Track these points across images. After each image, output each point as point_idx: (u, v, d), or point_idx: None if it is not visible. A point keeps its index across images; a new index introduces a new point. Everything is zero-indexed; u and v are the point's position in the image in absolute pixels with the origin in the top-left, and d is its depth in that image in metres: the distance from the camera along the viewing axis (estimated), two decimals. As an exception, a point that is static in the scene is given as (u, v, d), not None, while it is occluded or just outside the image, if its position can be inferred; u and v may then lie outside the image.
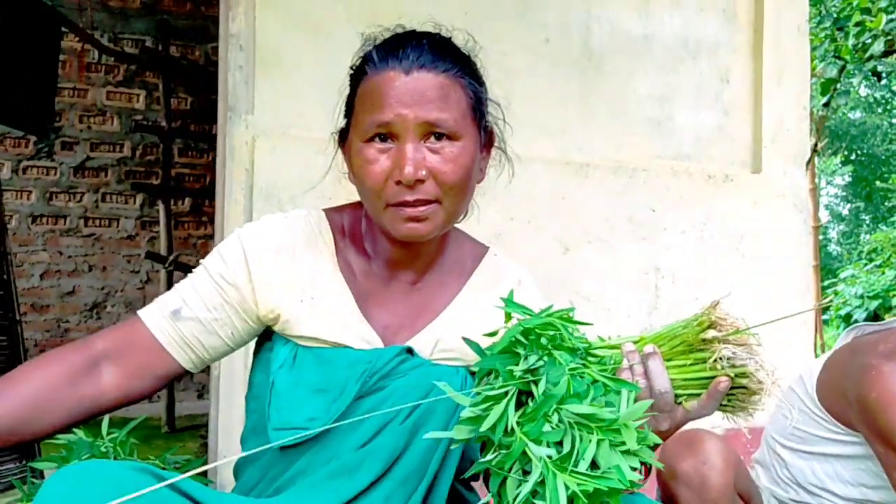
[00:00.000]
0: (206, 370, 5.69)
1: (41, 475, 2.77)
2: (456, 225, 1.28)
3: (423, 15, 2.53)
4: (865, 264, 12.54)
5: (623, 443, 0.94)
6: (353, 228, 1.28)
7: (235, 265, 1.19)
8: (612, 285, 2.69)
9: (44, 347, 5.59)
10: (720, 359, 1.00)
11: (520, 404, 0.98)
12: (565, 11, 2.72)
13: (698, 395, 1.03)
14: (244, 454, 1.20)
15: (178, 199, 5.76)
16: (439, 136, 1.14)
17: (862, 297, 10.57)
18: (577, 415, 0.94)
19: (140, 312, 1.20)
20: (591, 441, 0.93)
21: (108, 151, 5.79)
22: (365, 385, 1.16)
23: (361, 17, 2.49)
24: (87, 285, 5.71)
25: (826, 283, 12.04)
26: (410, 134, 1.12)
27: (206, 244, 5.91)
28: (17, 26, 3.82)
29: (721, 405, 1.04)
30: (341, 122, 1.25)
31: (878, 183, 16.85)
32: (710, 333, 1.01)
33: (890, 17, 6.62)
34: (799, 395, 1.71)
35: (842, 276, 12.44)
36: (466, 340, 1.12)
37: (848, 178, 19.17)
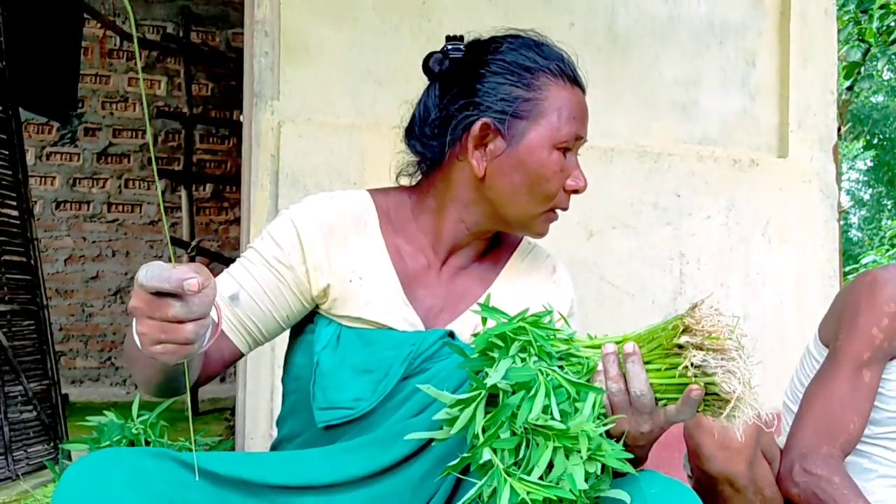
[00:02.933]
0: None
1: (70, 457, 2.82)
2: None
3: (448, 0, 2.53)
4: (887, 250, 12.41)
5: (579, 450, 0.93)
6: (398, 214, 1.29)
7: (290, 247, 1.20)
8: (636, 270, 2.69)
9: (69, 332, 5.67)
10: (690, 366, 0.98)
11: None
12: (590, -5, 2.71)
13: (677, 399, 1.01)
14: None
15: (200, 184, 5.79)
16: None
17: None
18: (531, 422, 0.94)
19: None
20: (546, 448, 0.93)
21: (131, 138, 5.83)
22: (410, 367, 1.17)
23: (387, 2, 2.49)
24: (111, 270, 5.77)
25: (847, 268, 11.93)
26: (577, 150, 1.25)
27: (227, 229, 5.95)
28: (39, 13, 3.85)
29: (700, 410, 1.02)
30: (496, 114, 1.21)
31: (900, 167, 16.63)
32: (683, 338, 0.98)
33: (916, -1, 6.52)
34: (808, 349, 1.73)
35: (863, 261, 12.32)
36: (449, 344, 1.15)
37: (870, 163, 18.95)
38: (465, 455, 0.98)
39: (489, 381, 0.96)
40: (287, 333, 1.33)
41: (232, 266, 1.24)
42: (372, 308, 1.21)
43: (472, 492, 0.96)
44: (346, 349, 1.21)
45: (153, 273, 0.83)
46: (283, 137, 2.34)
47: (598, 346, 1.05)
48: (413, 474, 1.15)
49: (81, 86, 5.22)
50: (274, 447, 1.34)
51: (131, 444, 1.60)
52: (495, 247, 1.34)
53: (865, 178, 20.10)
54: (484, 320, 1.03)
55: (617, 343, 1.05)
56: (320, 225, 1.21)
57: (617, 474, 1.03)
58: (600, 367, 1.03)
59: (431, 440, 1.12)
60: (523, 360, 0.98)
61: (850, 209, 19.02)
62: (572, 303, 1.36)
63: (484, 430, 0.96)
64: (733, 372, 0.96)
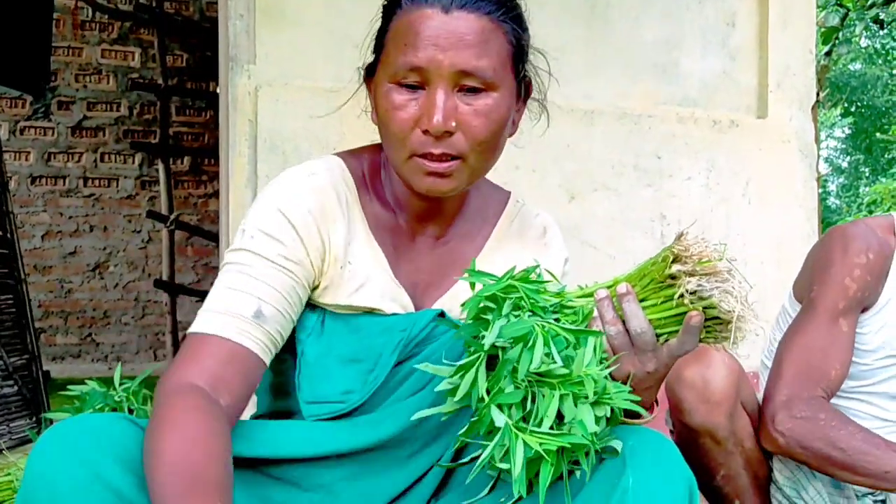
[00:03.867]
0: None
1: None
2: None
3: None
4: (865, 216, 12.55)
5: (586, 396, 0.92)
6: (373, 176, 1.20)
7: (290, 241, 1.09)
8: (618, 232, 2.69)
9: (48, 309, 5.62)
10: (686, 293, 0.96)
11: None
12: (569, -45, 2.69)
13: (677, 331, 1.00)
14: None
15: (177, 157, 5.73)
16: (474, 88, 1.06)
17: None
18: (534, 373, 0.92)
19: (217, 330, 1.03)
20: (553, 398, 0.92)
21: (105, 111, 5.75)
22: (401, 354, 1.13)
23: (363, -38, 2.45)
24: (89, 246, 5.72)
25: (838, 224, 12.07)
26: (443, 81, 1.04)
27: (206, 203, 5.90)
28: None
29: (702, 338, 1.01)
30: (369, 57, 1.16)
31: (878, 135, 16.78)
32: (675, 268, 0.97)
33: (893, -37, 6.54)
34: (784, 307, 1.75)
35: (842, 227, 12.44)
36: (441, 322, 1.11)
37: (848, 131, 19.08)
38: (473, 420, 0.97)
39: (486, 342, 0.94)
40: None
41: (229, 276, 1.08)
42: (362, 293, 1.14)
43: (485, 453, 0.94)
44: (332, 337, 1.14)
45: None
46: (261, 102, 2.31)
47: (591, 295, 1.04)
48: (401, 453, 1.13)
49: (54, 59, 5.13)
50: (255, 418, 1.28)
51: (114, 411, 1.59)
52: (480, 209, 1.26)
53: (843, 146, 20.24)
54: (472, 285, 1.01)
55: (608, 287, 1.03)
56: (310, 210, 1.11)
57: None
58: (596, 313, 1.02)
59: (418, 423, 1.10)
60: (517, 317, 0.96)
61: (827, 176, 19.18)
62: (566, 262, 1.32)
63: (488, 392, 0.94)
64: (729, 291, 0.96)
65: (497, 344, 0.94)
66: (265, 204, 1.11)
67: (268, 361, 1.07)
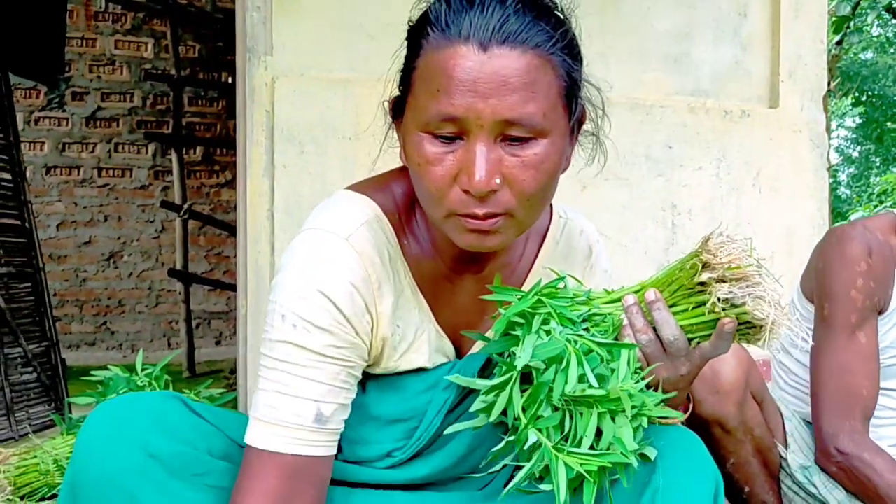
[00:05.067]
0: (230, 311, 5.73)
1: (71, 411, 2.85)
2: None
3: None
4: (875, 206, 12.48)
5: (623, 410, 0.91)
6: (408, 216, 1.08)
7: (339, 329, 0.98)
8: (629, 222, 2.72)
9: (63, 297, 5.68)
10: (717, 300, 0.94)
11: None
12: (581, -54, 2.70)
13: (709, 335, 0.98)
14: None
15: (190, 147, 5.77)
16: (519, 138, 0.91)
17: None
18: (569, 395, 0.90)
19: (270, 446, 0.94)
20: (591, 416, 0.91)
21: (119, 101, 5.79)
22: (448, 412, 1.09)
23: (379, -46, 2.47)
24: (104, 235, 5.77)
25: (836, 225, 12.01)
26: (484, 133, 0.89)
27: (219, 192, 5.94)
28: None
29: (736, 340, 0.99)
30: (393, 91, 1.02)
31: (888, 124, 16.65)
32: (705, 276, 0.95)
33: (906, -49, 6.50)
34: (793, 302, 1.77)
35: (851, 218, 12.40)
36: (475, 334, 1.06)
37: (858, 120, 18.94)
38: (510, 438, 0.95)
39: (518, 363, 0.91)
40: None
41: (277, 376, 0.97)
42: (411, 356, 1.07)
43: (522, 473, 0.92)
44: (373, 397, 1.09)
45: None
46: (278, 93, 2.34)
47: (618, 300, 1.01)
48: (440, 485, 1.13)
49: (68, 49, 5.16)
50: None
51: (137, 395, 1.62)
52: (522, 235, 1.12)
53: (854, 136, 20.11)
54: (500, 304, 0.98)
55: (636, 293, 1.00)
56: (356, 286, 0.99)
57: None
58: (625, 321, 0.99)
59: (461, 459, 1.10)
60: (547, 332, 0.93)
61: (838, 166, 19.07)
62: (609, 278, 1.27)
63: (524, 410, 0.92)
64: (762, 297, 0.94)
65: (530, 364, 0.92)
66: (303, 284, 0.97)
67: (335, 452, 1.01)
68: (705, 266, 0.96)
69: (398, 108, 1.01)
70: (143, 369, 2.05)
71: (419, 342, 1.07)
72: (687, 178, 2.79)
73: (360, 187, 1.08)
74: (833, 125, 18.18)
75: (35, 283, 3.47)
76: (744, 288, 0.94)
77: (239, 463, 0.98)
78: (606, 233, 2.68)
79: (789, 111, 2.91)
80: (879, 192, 13.85)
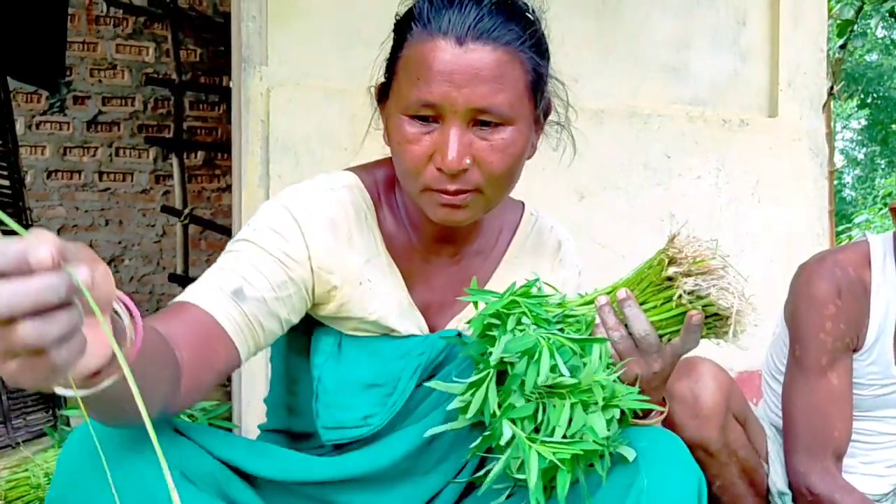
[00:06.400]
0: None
1: (68, 423, 2.85)
2: None
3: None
4: (880, 209, 12.44)
5: (595, 401, 0.94)
6: (388, 194, 1.19)
7: (295, 242, 1.07)
8: (627, 231, 2.70)
9: (64, 301, 5.67)
10: (684, 293, 0.99)
11: None
12: (580, -45, 2.69)
13: (679, 330, 1.02)
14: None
15: (191, 152, 5.77)
16: (489, 122, 1.02)
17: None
18: (543, 385, 0.94)
19: (190, 297, 1.01)
20: (563, 407, 0.94)
21: (120, 105, 5.78)
22: (420, 377, 1.14)
23: (374, -36, 2.47)
24: (105, 240, 5.77)
25: (840, 228, 11.97)
26: (457, 118, 1.00)
27: (220, 197, 5.93)
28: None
29: (704, 334, 1.04)
30: (380, 78, 1.14)
31: (894, 126, 16.62)
32: (671, 270, 1.00)
33: (909, -45, 6.47)
34: (777, 328, 1.76)
35: (856, 220, 12.36)
36: (446, 337, 1.12)
37: (864, 122, 18.91)
38: (486, 434, 0.98)
39: (492, 358, 0.95)
40: None
41: (224, 258, 1.07)
42: (381, 312, 1.13)
43: (498, 466, 0.96)
44: (350, 361, 1.14)
45: None
46: (273, 102, 2.34)
47: (591, 302, 1.06)
48: (417, 470, 1.14)
49: (69, 54, 5.16)
50: (269, 431, 1.30)
51: (130, 408, 1.61)
52: (495, 226, 1.25)
53: (859, 138, 20.06)
54: (475, 304, 1.03)
55: (608, 293, 1.05)
56: (324, 222, 1.09)
57: None
58: (598, 320, 1.04)
59: (431, 440, 1.12)
60: (522, 331, 0.97)
61: (843, 168, 19.02)
62: (580, 273, 1.34)
63: (500, 407, 0.96)
64: (726, 288, 0.98)
65: (505, 359, 0.96)
66: (276, 204, 1.10)
67: (240, 347, 1.01)
68: (672, 261, 1.01)
69: (383, 94, 1.12)
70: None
71: (390, 305, 1.13)
72: (685, 187, 2.78)
73: (347, 168, 1.20)
74: (838, 127, 18.15)
75: (33, 289, 3.46)
76: (708, 280, 0.98)
77: (223, 481, 1.00)
78: (604, 243, 2.67)
79: (788, 120, 2.90)
80: (884, 195, 13.80)
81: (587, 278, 1.30)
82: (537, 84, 1.08)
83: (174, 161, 5.13)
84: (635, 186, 2.73)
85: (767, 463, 1.64)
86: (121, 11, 5.63)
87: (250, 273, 1.03)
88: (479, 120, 1.02)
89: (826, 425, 1.55)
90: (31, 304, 0.54)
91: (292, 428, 1.25)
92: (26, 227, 2.70)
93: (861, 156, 20.03)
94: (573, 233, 2.59)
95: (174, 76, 5.17)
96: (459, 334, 1.16)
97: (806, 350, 1.57)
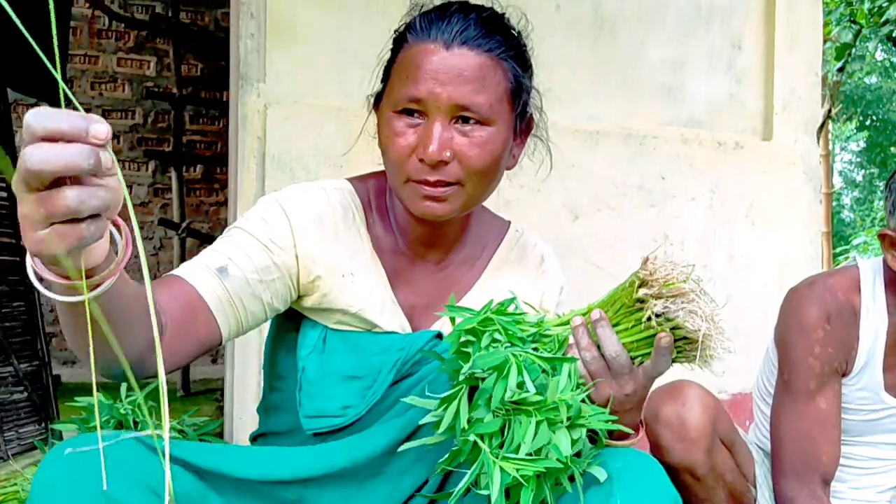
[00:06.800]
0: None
1: (61, 437, 2.84)
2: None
3: (433, -18, 2.53)
4: (874, 229, 12.46)
5: (561, 421, 0.94)
6: (379, 201, 1.25)
7: (282, 230, 1.14)
8: (621, 252, 2.71)
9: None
10: (653, 315, 0.99)
11: None
12: (577, -23, 2.71)
13: (650, 353, 1.02)
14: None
15: (190, 166, 5.79)
16: (469, 119, 1.10)
17: (874, 260, 10.48)
18: (510, 401, 0.95)
19: (179, 272, 1.09)
20: (529, 424, 0.94)
21: (120, 118, 5.81)
22: (398, 372, 1.17)
23: (373, -16, 2.49)
24: (102, 252, 5.78)
25: (838, 249, 12.01)
26: (440, 113, 1.09)
27: (217, 211, 5.95)
28: (28, -7, 3.83)
29: (675, 358, 1.03)
30: (377, 86, 1.22)
31: (892, 149, 16.67)
32: (642, 292, 1.00)
33: (907, -20, 6.53)
34: (769, 349, 1.76)
35: (854, 242, 12.39)
36: (427, 352, 1.14)
37: (863, 144, 18.97)
38: (454, 448, 0.99)
39: (461, 373, 0.97)
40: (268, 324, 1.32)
41: (216, 242, 1.15)
42: (363, 305, 1.18)
43: (464, 480, 0.96)
44: (333, 354, 1.18)
45: (44, 112, 0.65)
46: (270, 120, 2.35)
47: (568, 322, 1.07)
48: (392, 469, 1.15)
49: (70, 66, 5.20)
50: (256, 437, 1.33)
51: (119, 424, 1.62)
52: (480, 237, 1.30)
53: (858, 160, 20.13)
54: (452, 320, 1.04)
55: (583, 315, 1.06)
56: (311, 215, 1.17)
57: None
58: (571, 340, 1.05)
59: (411, 434, 1.13)
60: (495, 348, 0.98)
61: (842, 190, 19.07)
62: (562, 290, 1.36)
63: (470, 422, 0.97)
64: (695, 311, 0.98)
65: (477, 375, 0.97)
66: (269, 198, 1.19)
67: (220, 322, 1.07)
68: (643, 283, 1.01)
69: (378, 101, 1.21)
70: (127, 395, 2.04)
71: (373, 299, 1.18)
72: (680, 208, 2.79)
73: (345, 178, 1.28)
74: (837, 149, 18.22)
75: (28, 301, 3.47)
76: (678, 303, 0.98)
77: (198, 499, 1.01)
78: (598, 263, 2.67)
79: (783, 144, 2.92)
80: (882, 217, 13.83)
81: (577, 297, 1.31)
82: (517, 91, 1.16)
83: (173, 174, 5.14)
84: (630, 207, 2.74)
85: (755, 487, 1.64)
86: (123, 25, 5.67)
87: (236, 254, 1.11)
88: (461, 116, 1.10)
89: (814, 449, 1.55)
90: (84, 166, 0.64)
91: (276, 428, 1.27)
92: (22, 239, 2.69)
93: (860, 178, 20.09)
94: (567, 252, 2.61)
95: (175, 90, 5.20)
96: (440, 334, 1.19)
97: (795, 374, 1.57)
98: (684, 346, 1.01)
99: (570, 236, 2.64)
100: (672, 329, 0.99)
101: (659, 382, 1.56)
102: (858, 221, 18.55)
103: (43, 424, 3.36)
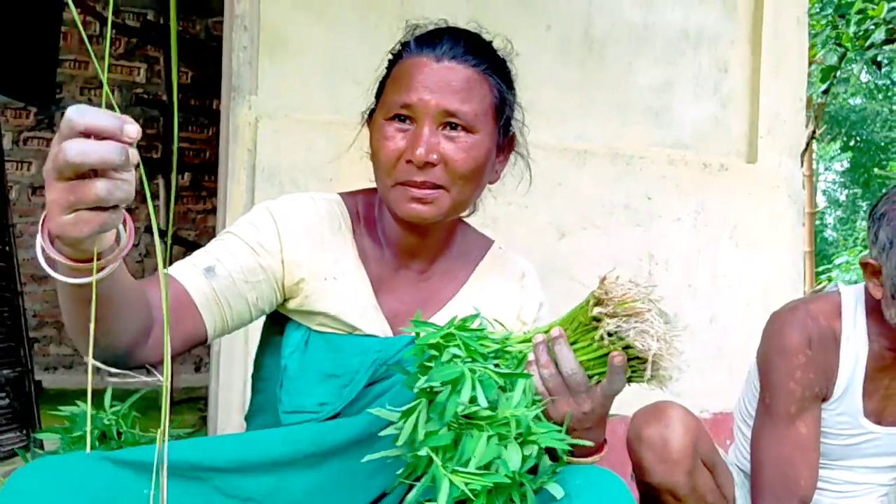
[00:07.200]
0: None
1: (42, 446, 2.83)
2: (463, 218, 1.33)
3: (428, 0, 2.55)
4: (860, 251, 12.57)
5: (512, 436, 0.95)
6: (367, 214, 1.30)
7: (270, 235, 1.20)
8: (606, 270, 2.73)
9: (43, 318, 5.64)
10: (605, 334, 1.00)
11: None
12: (568, -2, 2.75)
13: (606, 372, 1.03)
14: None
15: (178, 173, 5.77)
16: (456, 126, 1.17)
17: (855, 283, 10.56)
18: (463, 415, 0.96)
19: (169, 270, 1.14)
20: (480, 438, 0.95)
21: (109, 124, 5.79)
22: (375, 373, 1.20)
23: (367, 0, 2.51)
24: (87, 257, 5.75)
25: (820, 268, 12.09)
26: (429, 119, 1.16)
27: (205, 219, 5.94)
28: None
29: (630, 377, 1.04)
30: (372, 102, 1.28)
31: (876, 170, 16.84)
32: (596, 310, 1.01)
33: (891, 5, 6.62)
34: (750, 372, 1.78)
35: (836, 262, 12.49)
36: (393, 366, 1.16)
37: (846, 164, 19.16)
38: (410, 461, 1.00)
39: (417, 386, 0.98)
40: (259, 330, 1.35)
41: (207, 245, 1.21)
42: (346, 309, 1.22)
43: (413, 493, 0.98)
44: (314, 354, 1.22)
45: (86, 109, 0.74)
46: (260, 132, 2.36)
47: (530, 340, 1.08)
48: (364, 467, 1.14)
49: (60, 71, 5.18)
50: None
51: (103, 434, 1.61)
52: (464, 252, 1.35)
53: (842, 180, 20.32)
54: (417, 335, 1.05)
55: (545, 332, 1.08)
56: (299, 221, 1.23)
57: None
58: (531, 357, 1.07)
59: (378, 440, 1.11)
60: (455, 364, 0.99)
61: (825, 209, 19.24)
62: (540, 306, 1.38)
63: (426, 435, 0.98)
64: (646, 331, 0.98)
65: (435, 388, 0.98)
66: (260, 206, 1.25)
67: (206, 319, 1.13)
68: (598, 302, 1.02)
69: (371, 116, 1.27)
70: (111, 405, 2.03)
71: (355, 303, 1.23)
72: (665, 228, 2.82)
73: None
74: (821, 168, 18.38)
75: (13, 307, 3.45)
76: (630, 322, 0.99)
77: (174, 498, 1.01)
78: (583, 280, 2.69)
79: (767, 167, 2.96)
80: (864, 238, 13.94)
81: (560, 314, 1.32)
82: (501, 107, 1.24)
83: (160, 181, 5.13)
84: (616, 226, 2.76)
85: None
86: (114, 32, 5.66)
87: (224, 255, 1.17)
88: (449, 123, 1.17)
89: (793, 473, 1.57)
90: (117, 161, 0.74)
91: (257, 429, 1.29)
92: (9, 244, 2.67)
93: (843, 197, 20.27)
94: (553, 270, 2.62)
95: (164, 97, 5.20)
96: (418, 334, 1.20)
97: (775, 398, 1.59)
98: (638, 365, 1.02)
99: (556, 254, 2.67)
100: (624, 348, 1.00)
101: (642, 402, 1.60)
102: (841, 241, 18.71)
103: (24, 431, 3.34)
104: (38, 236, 0.84)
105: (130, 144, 0.75)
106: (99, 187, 0.75)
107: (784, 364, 1.58)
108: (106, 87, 0.74)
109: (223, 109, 2.52)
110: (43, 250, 0.84)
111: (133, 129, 0.75)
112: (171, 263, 1.17)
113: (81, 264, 0.84)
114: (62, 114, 0.74)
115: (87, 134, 0.73)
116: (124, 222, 0.86)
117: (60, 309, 0.97)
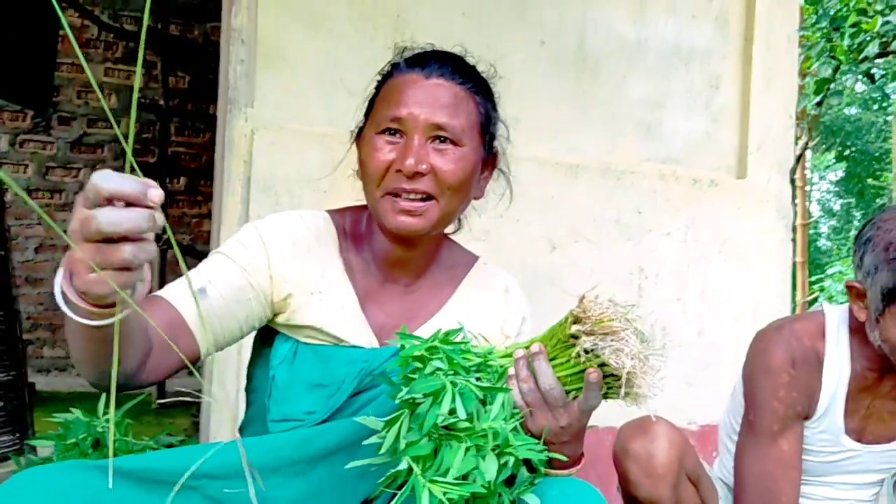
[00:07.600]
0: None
1: (35, 451, 2.84)
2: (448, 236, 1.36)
3: (422, 14, 2.58)
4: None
5: (489, 447, 0.99)
6: (354, 230, 1.34)
7: (257, 253, 1.24)
8: (592, 286, 2.75)
9: (37, 321, 5.65)
10: (582, 352, 1.02)
11: None
12: (561, 14, 2.78)
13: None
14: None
15: (174, 177, 5.80)
16: (445, 139, 1.22)
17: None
18: (442, 426, 0.99)
19: (163, 293, 1.19)
20: (458, 449, 0.98)
21: (105, 128, 5.81)
22: (361, 383, 1.23)
23: (363, 14, 2.54)
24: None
25: (813, 278, 12.13)
26: (419, 132, 1.20)
27: (200, 223, 5.96)
28: (17, 1, 3.84)
29: (606, 393, 1.07)
30: (360, 121, 1.33)
31: (870, 180, 16.91)
32: (574, 328, 1.03)
33: (886, 19, 6.66)
34: (735, 388, 1.80)
35: (829, 272, 12.53)
36: (379, 377, 1.18)
37: (841, 174, 19.23)
38: (392, 470, 1.02)
39: (398, 397, 1.01)
40: (251, 344, 1.38)
41: (199, 266, 1.25)
42: (332, 321, 1.26)
43: (394, 501, 1.00)
44: (302, 365, 1.25)
45: (111, 176, 0.78)
46: (256, 144, 2.38)
47: (511, 354, 1.11)
48: (349, 471, 1.15)
49: (57, 75, 5.20)
50: None
51: (97, 441, 1.63)
52: (450, 267, 1.38)
53: (836, 189, 20.38)
54: (402, 347, 1.07)
55: (526, 348, 1.11)
56: (286, 237, 1.27)
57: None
58: (512, 371, 1.10)
59: (363, 446, 1.13)
60: (437, 376, 1.02)
61: (819, 219, 19.30)
62: (523, 320, 1.41)
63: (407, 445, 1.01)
64: (621, 349, 1.01)
65: (417, 400, 1.01)
66: (249, 225, 1.30)
67: (198, 338, 1.16)
68: (577, 320, 1.04)
69: (360, 134, 1.32)
70: (104, 413, 2.05)
71: (340, 316, 1.26)
72: (655, 243, 2.85)
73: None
74: (815, 178, 18.43)
75: (7, 310, 3.46)
76: (606, 340, 1.02)
77: None
78: (574, 294, 2.71)
79: (757, 182, 2.99)
80: (857, 248, 13.95)
81: (551, 325, 1.34)
82: (486, 125, 1.29)
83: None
84: (607, 240, 2.79)
85: None
86: (112, 36, 5.68)
87: (214, 276, 1.21)
88: (437, 136, 1.21)
89: (775, 489, 1.59)
90: (145, 227, 0.78)
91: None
92: (4, 247, 2.68)
93: (837, 207, 20.33)
94: (543, 282, 2.63)
95: (161, 101, 5.22)
96: (403, 346, 1.23)
97: (759, 416, 1.62)
98: (613, 382, 1.05)
99: (547, 266, 2.69)
100: (600, 365, 1.03)
101: (628, 417, 1.62)
102: (835, 250, 18.76)
103: (17, 435, 3.34)
104: (58, 279, 0.86)
105: (153, 208, 0.78)
106: (126, 251, 0.78)
107: (768, 383, 1.60)
108: (129, 155, 0.79)
109: (219, 121, 2.54)
110: (63, 294, 0.86)
111: (156, 195, 0.79)
112: (164, 268, 1.21)
113: (102, 309, 0.87)
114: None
115: (110, 199, 0.77)
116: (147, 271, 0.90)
117: (67, 340, 1.00)
